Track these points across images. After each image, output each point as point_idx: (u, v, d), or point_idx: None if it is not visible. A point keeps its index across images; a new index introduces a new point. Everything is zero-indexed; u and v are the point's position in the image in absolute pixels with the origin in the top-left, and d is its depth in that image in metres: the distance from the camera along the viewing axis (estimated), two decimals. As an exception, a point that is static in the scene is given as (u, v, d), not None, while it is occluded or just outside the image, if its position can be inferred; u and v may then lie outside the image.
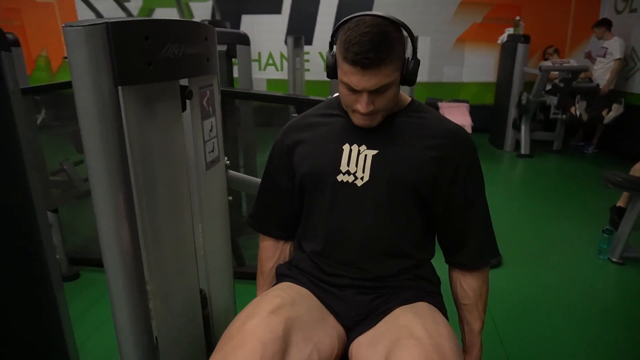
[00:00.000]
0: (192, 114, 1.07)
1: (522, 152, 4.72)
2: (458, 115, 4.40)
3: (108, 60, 0.80)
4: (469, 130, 4.21)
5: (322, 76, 5.54)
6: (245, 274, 1.93)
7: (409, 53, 0.94)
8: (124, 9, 5.51)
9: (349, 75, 0.87)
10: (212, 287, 1.21)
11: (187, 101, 1.06)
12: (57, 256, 2.19)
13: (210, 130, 1.17)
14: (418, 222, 0.98)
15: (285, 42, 4.75)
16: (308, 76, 5.65)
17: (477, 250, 1.01)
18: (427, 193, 0.96)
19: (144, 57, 0.86)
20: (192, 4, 5.78)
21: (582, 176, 4.19)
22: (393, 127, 0.98)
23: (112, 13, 5.67)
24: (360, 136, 0.97)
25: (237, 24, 5.72)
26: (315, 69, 5.77)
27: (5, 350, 1.15)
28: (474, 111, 5.25)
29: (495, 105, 5.31)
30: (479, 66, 5.60)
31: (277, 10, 5.65)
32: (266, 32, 5.73)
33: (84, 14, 5.69)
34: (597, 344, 1.86)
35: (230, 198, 1.36)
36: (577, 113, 4.27)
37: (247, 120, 2.39)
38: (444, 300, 1.06)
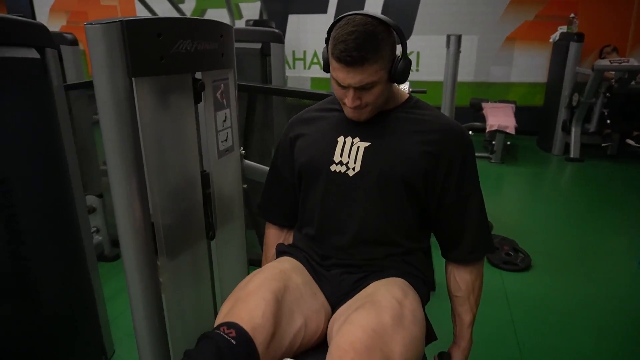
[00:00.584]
0: (205, 105, 1.16)
1: (572, 155, 4.50)
2: (502, 116, 4.26)
3: (123, 54, 0.89)
4: (512, 131, 4.08)
5: (366, 75, 5.60)
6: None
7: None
8: (178, 10, 5.82)
9: (336, 71, 0.92)
10: (222, 269, 1.30)
11: (202, 93, 1.15)
12: (100, 238, 2.38)
13: (224, 120, 1.25)
14: (409, 213, 1.01)
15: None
16: (352, 75, 5.69)
17: (471, 245, 1.03)
18: (419, 186, 0.98)
19: (156, 51, 0.96)
20: (241, 5, 5.99)
21: (636, 184, 3.94)
22: (388, 122, 1.01)
23: (167, 14, 6.02)
24: (355, 129, 1.01)
25: (283, 23, 5.86)
26: (359, 68, 5.80)
27: (43, 320, 1.29)
28: (522, 113, 5.07)
29: (545, 107, 5.09)
30: (529, 66, 5.38)
31: (322, 10, 5.73)
32: (311, 31, 5.82)
33: (142, 16, 6.04)
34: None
35: (245, 186, 1.43)
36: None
37: (280, 114, 2.47)
38: (430, 293, 1.07)
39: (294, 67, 6.03)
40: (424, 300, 1.01)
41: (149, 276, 1.06)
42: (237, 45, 2.55)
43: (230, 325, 0.82)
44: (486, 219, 1.06)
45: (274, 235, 1.21)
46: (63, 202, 1.40)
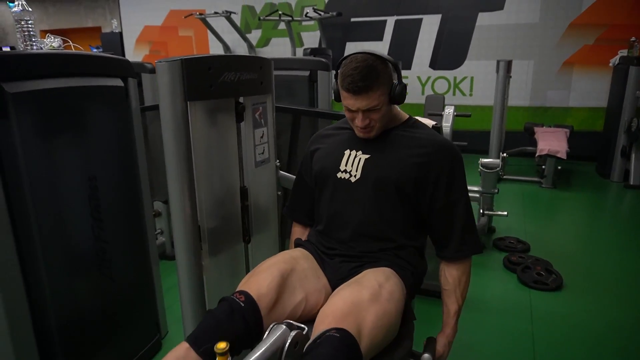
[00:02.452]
0: (246, 124, 1.43)
1: (631, 182, 4.33)
2: (553, 140, 4.22)
3: (181, 84, 1.19)
4: (562, 156, 4.03)
5: (419, 99, 5.75)
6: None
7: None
8: (245, 39, 6.38)
9: (346, 99, 1.15)
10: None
11: (244, 114, 1.42)
12: (164, 239, 2.74)
13: (262, 137, 1.52)
14: (401, 213, 1.19)
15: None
16: (406, 99, 5.87)
17: (458, 245, 1.20)
18: (410, 191, 1.17)
19: (206, 81, 1.25)
20: (302, 33, 6.43)
21: None
22: (387, 138, 1.22)
23: (236, 43, 6.60)
24: (360, 144, 1.23)
25: (341, 50, 6.19)
26: (412, 92, 5.96)
27: (114, 292, 1.61)
28: (581, 138, 4.95)
29: (604, 132, 4.93)
30: (588, 90, 5.25)
31: (379, 37, 6.00)
32: (367, 57, 6.09)
33: (214, 44, 6.67)
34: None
35: (280, 193, 1.68)
36: None
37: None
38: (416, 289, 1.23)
39: (349, 91, 6.31)
40: (412, 288, 1.18)
41: (194, 271, 1.32)
42: (288, 72, 2.88)
43: (242, 292, 1.05)
44: (473, 222, 1.22)
45: (298, 232, 1.44)
46: (134, 202, 1.73)
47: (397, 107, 1.28)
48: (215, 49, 6.69)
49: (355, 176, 1.20)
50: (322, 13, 5.55)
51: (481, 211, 2.83)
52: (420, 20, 5.74)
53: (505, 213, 2.80)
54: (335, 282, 1.16)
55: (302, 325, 0.98)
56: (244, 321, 1.00)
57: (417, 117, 1.33)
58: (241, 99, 1.40)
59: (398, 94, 1.16)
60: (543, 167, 4.34)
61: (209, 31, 6.38)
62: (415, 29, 5.80)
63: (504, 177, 4.54)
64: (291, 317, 1.06)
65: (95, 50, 8.47)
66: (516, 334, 2.00)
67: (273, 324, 0.98)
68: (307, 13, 5.61)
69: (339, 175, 1.22)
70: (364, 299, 0.98)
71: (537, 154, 4.24)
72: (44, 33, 11.63)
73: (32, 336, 1.34)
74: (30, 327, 1.33)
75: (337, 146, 1.27)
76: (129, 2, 7.23)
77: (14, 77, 1.22)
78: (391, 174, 1.17)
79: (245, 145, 1.45)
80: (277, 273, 1.09)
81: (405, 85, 1.17)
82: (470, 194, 3.12)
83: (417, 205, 1.20)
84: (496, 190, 2.74)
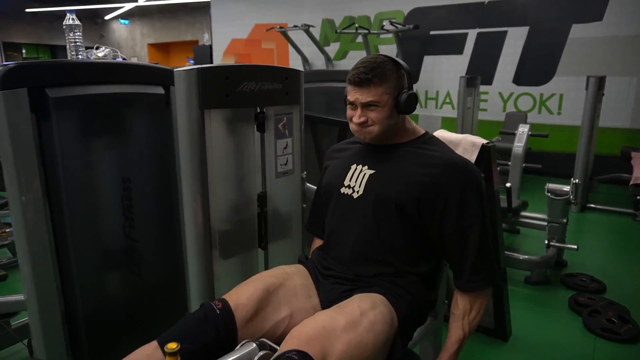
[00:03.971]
0: (267, 133, 1.42)
1: None
2: (651, 168, 3.69)
3: (197, 92, 1.21)
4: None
5: (499, 116, 5.39)
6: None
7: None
8: (323, 52, 6.48)
9: (350, 92, 1.11)
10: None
11: (266, 123, 1.41)
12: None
13: (285, 148, 1.50)
14: (402, 236, 1.09)
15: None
16: (484, 116, 5.55)
17: (470, 275, 1.08)
18: (413, 212, 1.07)
19: (223, 90, 1.26)
20: (380, 47, 6.37)
21: None
22: (396, 154, 1.13)
23: (315, 56, 6.74)
24: (367, 158, 1.16)
25: (419, 64, 6.04)
26: (493, 109, 5.61)
27: (141, 287, 1.68)
28: (692, 167, 4.27)
29: None
30: None
31: (459, 51, 5.75)
32: (446, 71, 5.87)
33: (294, 57, 6.87)
34: None
35: (305, 205, 1.65)
36: None
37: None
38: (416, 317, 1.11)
39: (425, 107, 6.12)
40: (407, 320, 1.06)
41: (205, 274, 1.33)
42: (336, 84, 2.85)
43: (221, 300, 1.03)
44: (488, 252, 1.08)
45: (317, 246, 1.38)
46: (169, 202, 1.79)
47: (412, 122, 1.19)
48: (295, 60, 6.89)
49: (357, 192, 1.13)
50: (398, 26, 5.46)
51: (547, 242, 2.54)
52: (505, 33, 5.40)
53: (575, 247, 2.48)
54: (326, 304, 1.09)
55: (276, 347, 0.93)
56: (215, 330, 0.97)
57: (438, 132, 1.23)
58: (264, 109, 1.40)
59: (404, 102, 1.08)
60: (639, 197, 3.81)
61: (289, 44, 6.59)
62: (499, 42, 5.46)
63: (591, 205, 4.07)
64: (271, 334, 1.02)
65: (191, 61, 9.19)
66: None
67: (246, 340, 0.94)
68: (383, 26, 5.56)
69: (342, 190, 1.16)
70: (338, 326, 0.91)
71: (631, 182, 3.74)
72: (151, 46, 12.90)
73: (61, 325, 1.44)
74: (59, 316, 1.43)
75: (346, 160, 1.21)
76: (220, 17, 7.74)
77: (57, 83, 1.34)
78: (392, 192, 1.09)
79: (268, 155, 1.44)
80: (261, 286, 1.05)
81: (414, 95, 1.09)
82: (537, 222, 2.84)
83: (423, 228, 1.10)
84: (565, 220, 2.45)
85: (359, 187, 1.13)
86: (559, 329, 2.14)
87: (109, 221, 1.53)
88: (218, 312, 0.99)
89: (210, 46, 7.88)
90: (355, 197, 1.13)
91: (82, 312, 1.48)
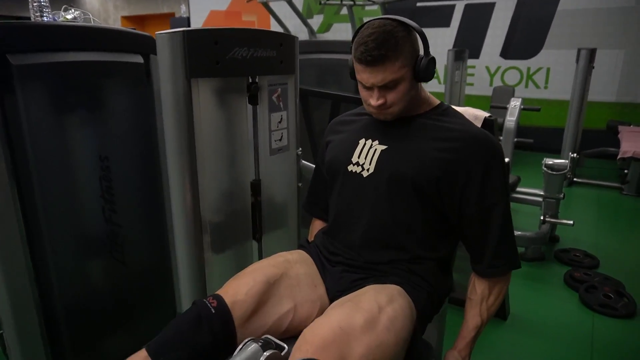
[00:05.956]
0: (260, 106, 1.29)
1: None
2: (636, 141, 3.69)
3: (183, 59, 1.07)
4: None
5: (487, 91, 5.31)
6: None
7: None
8: (307, 24, 6.25)
9: (360, 73, 0.96)
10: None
11: (259, 95, 1.28)
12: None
13: (279, 122, 1.37)
14: (420, 218, 0.99)
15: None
16: (471, 90, 5.47)
17: (491, 259, 0.98)
18: (432, 192, 0.97)
19: (212, 57, 1.12)
20: (365, 19, 6.17)
21: None
22: (410, 127, 1.02)
23: (298, 29, 6.49)
24: (377, 132, 1.04)
25: (405, 37, 5.89)
26: (480, 83, 5.53)
27: (125, 276, 1.55)
28: (676, 140, 4.30)
29: None
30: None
31: (446, 24, 5.61)
32: (432, 45, 5.68)
33: (276, 29, 6.62)
34: None
35: (300, 184, 1.54)
36: None
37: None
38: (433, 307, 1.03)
39: (412, 80, 6.00)
40: (426, 311, 0.98)
41: (196, 267, 1.20)
42: (336, 56, 2.70)
43: (215, 297, 0.92)
44: (511, 234, 1.00)
45: (316, 228, 1.27)
46: (152, 183, 1.65)
47: (426, 91, 1.08)
48: (277, 34, 6.64)
49: (368, 170, 1.01)
50: (385, -3, 5.28)
51: (542, 218, 2.50)
52: (493, 4, 5.28)
53: (571, 222, 2.44)
54: (333, 293, 0.99)
55: (282, 344, 0.83)
56: (211, 333, 0.86)
57: (457, 107, 1.12)
58: (256, 79, 1.27)
59: (423, 69, 0.95)
60: (626, 171, 3.82)
61: (271, 16, 6.33)
62: (487, 14, 5.35)
63: (577, 180, 4.07)
64: (274, 330, 0.91)
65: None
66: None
67: (247, 339, 0.84)
68: (369, -3, 5.36)
69: (350, 168, 1.04)
70: (356, 326, 0.80)
71: (619, 156, 3.73)
72: (125, 19, 12.35)
73: (36, 317, 1.32)
74: (34, 308, 1.31)
75: (353, 134, 1.08)
76: (197, -13, 7.39)
77: (20, 49, 1.17)
78: (408, 169, 0.97)
79: (260, 129, 1.32)
80: (261, 278, 0.94)
81: (433, 59, 0.96)
82: (531, 197, 2.80)
83: (442, 209, 1.00)
84: (561, 196, 2.40)
85: (369, 164, 1.02)
86: (557, 305, 2.11)
87: (87, 204, 1.40)
88: (213, 312, 0.88)
89: (188, 18, 7.54)
90: (365, 175, 1.02)
91: (60, 303, 1.36)
